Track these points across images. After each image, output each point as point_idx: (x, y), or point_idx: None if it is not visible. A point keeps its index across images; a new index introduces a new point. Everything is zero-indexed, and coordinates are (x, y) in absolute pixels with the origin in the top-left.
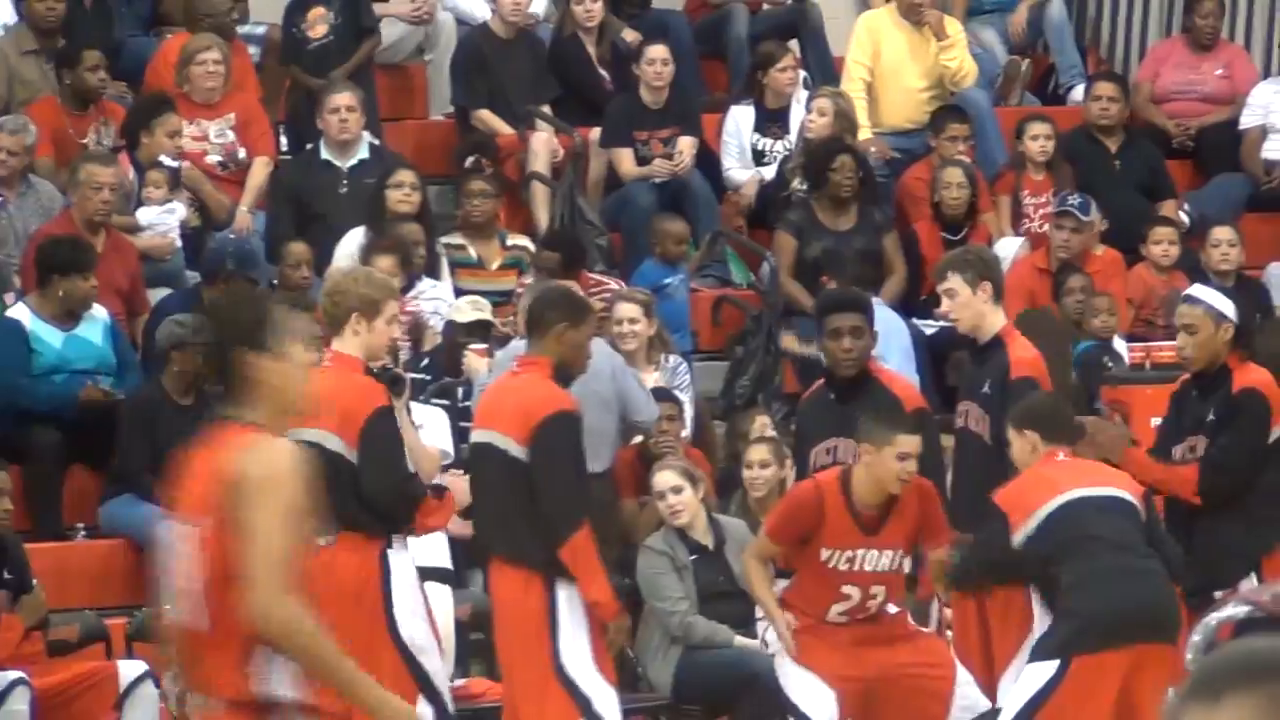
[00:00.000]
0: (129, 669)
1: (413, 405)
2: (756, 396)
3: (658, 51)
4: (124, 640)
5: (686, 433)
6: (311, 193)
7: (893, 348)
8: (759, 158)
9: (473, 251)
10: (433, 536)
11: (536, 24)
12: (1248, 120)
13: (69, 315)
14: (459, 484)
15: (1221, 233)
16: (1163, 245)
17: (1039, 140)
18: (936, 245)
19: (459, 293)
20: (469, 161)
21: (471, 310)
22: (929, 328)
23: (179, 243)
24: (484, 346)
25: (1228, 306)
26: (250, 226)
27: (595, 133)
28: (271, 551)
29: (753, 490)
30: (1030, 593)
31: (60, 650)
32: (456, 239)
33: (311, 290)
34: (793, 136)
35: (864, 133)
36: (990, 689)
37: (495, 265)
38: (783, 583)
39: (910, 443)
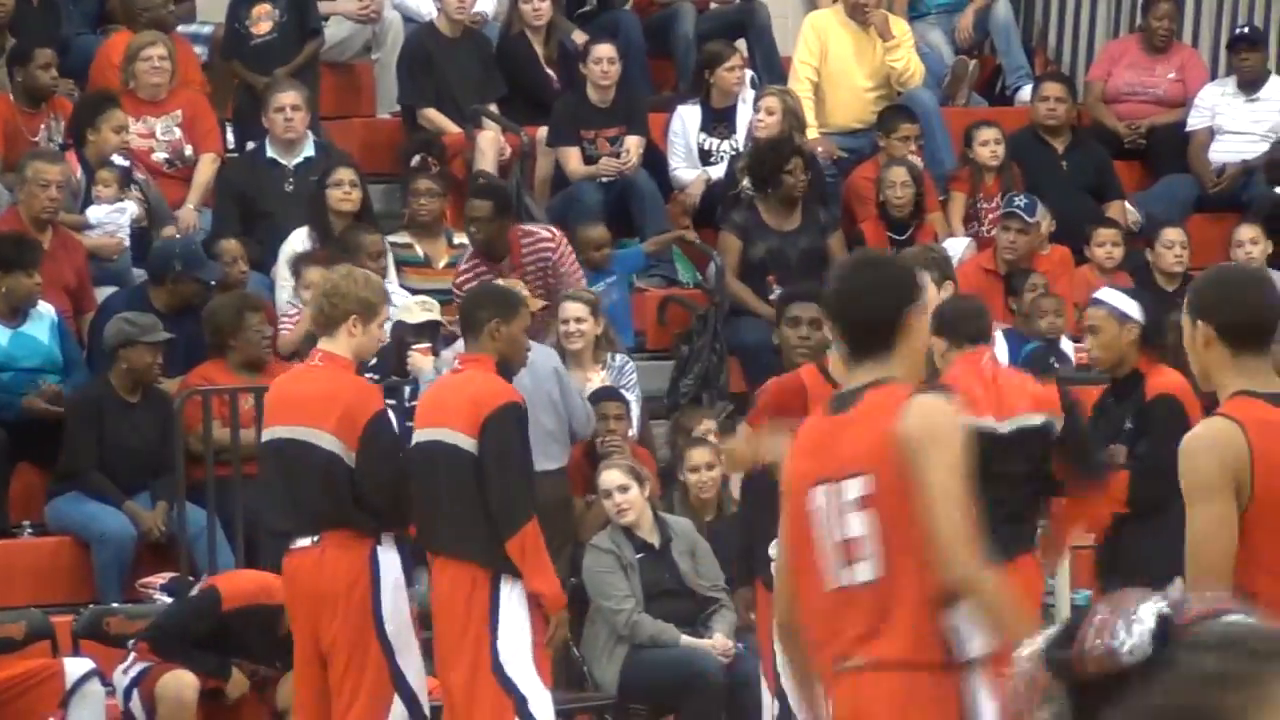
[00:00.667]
0: (75, 666)
1: None
2: (701, 395)
3: (604, 50)
4: (70, 638)
5: (633, 432)
6: (257, 190)
7: None
8: (705, 157)
9: (419, 250)
10: None
11: (484, 23)
12: (1195, 122)
13: (14, 312)
14: None
15: (1173, 234)
16: (1105, 247)
17: (989, 145)
18: (882, 245)
19: (410, 292)
20: (415, 160)
21: (421, 311)
22: None
23: (127, 242)
24: (428, 345)
25: (1132, 307)
26: (196, 224)
27: (542, 132)
28: (953, 509)
29: (698, 491)
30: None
31: (6, 648)
32: (403, 238)
33: (248, 286)
34: (739, 136)
35: (811, 132)
36: None
37: (442, 264)
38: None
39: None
